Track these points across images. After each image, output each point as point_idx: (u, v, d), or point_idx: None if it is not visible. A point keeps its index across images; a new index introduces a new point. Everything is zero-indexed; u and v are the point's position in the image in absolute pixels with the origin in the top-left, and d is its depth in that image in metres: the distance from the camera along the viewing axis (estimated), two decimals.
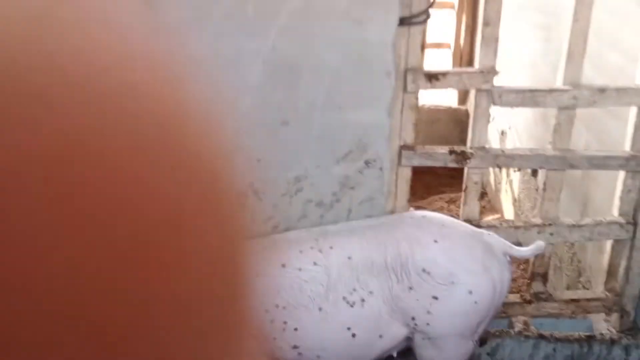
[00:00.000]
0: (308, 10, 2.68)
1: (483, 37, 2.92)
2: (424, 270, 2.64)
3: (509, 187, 5.38)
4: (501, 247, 2.78)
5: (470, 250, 2.70)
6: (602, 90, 2.97)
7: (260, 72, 2.74)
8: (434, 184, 6.00)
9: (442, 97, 7.21)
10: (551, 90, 2.98)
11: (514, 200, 5.21)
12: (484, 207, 5.93)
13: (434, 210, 5.55)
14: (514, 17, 5.45)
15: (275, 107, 2.81)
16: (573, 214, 3.98)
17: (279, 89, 2.78)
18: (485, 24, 2.90)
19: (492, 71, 2.93)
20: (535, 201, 4.47)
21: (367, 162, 2.94)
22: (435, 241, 2.69)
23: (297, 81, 2.78)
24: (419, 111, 5.15)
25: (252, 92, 2.76)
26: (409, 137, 3.02)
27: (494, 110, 5.90)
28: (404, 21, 2.79)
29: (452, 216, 3.12)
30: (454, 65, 6.77)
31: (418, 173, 4.04)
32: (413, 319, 2.66)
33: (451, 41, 6.89)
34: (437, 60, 8.25)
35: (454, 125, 6.27)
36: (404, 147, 3.02)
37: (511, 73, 5.39)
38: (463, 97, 6.68)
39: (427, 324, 2.66)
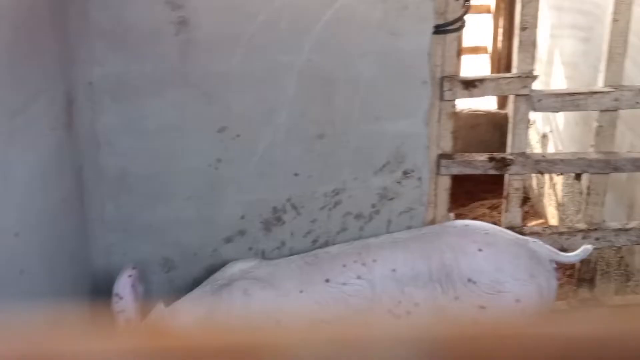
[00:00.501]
0: (341, 22, 2.66)
1: (520, 41, 2.87)
2: (469, 279, 2.60)
3: (553, 191, 5.29)
4: (547, 254, 2.73)
5: (516, 258, 2.65)
6: None
7: (296, 86, 2.73)
8: (475, 191, 5.93)
9: (482, 102, 7.14)
10: (592, 93, 2.92)
11: (558, 204, 5.12)
12: (526, 212, 5.84)
13: (475, 217, 5.48)
14: (552, 19, 5.38)
15: (311, 120, 2.79)
16: (619, 218, 3.89)
17: (314, 101, 2.76)
18: (522, 28, 2.85)
19: (530, 76, 2.88)
20: (580, 205, 4.38)
21: (405, 173, 2.91)
22: (480, 250, 2.64)
23: (333, 93, 2.76)
24: (457, 116, 5.12)
25: (287, 105, 2.75)
26: (447, 146, 2.98)
27: (534, 113, 5.84)
28: (439, 29, 2.76)
29: (494, 224, 3.07)
30: (492, 69, 6.69)
31: (458, 180, 3.99)
32: None
33: (488, 45, 6.81)
34: (475, 65, 8.18)
35: (494, 130, 6.18)
36: (442, 155, 2.98)
37: (551, 75, 5.31)
38: (502, 101, 6.60)
39: None
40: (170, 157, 2.80)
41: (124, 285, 2.65)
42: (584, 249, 2.77)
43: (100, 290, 2.80)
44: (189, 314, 2.63)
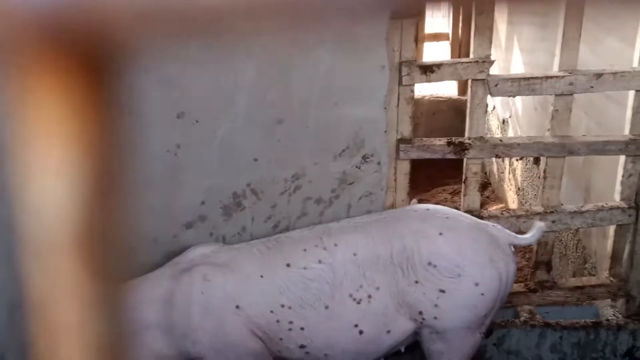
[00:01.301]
0: (299, 7, 2.66)
1: (476, 26, 2.90)
2: (429, 263, 2.63)
3: (512, 176, 5.36)
4: (506, 238, 2.76)
5: (476, 242, 2.68)
6: (598, 75, 2.95)
7: (254, 71, 2.73)
8: (437, 176, 5.99)
9: (443, 88, 7.20)
10: (547, 77, 2.96)
11: (518, 189, 5.20)
12: (487, 197, 5.92)
13: (437, 202, 5.54)
14: (510, 6, 5.43)
15: (270, 105, 2.80)
16: (576, 201, 3.96)
17: (273, 87, 2.77)
18: (479, 13, 2.88)
19: (487, 60, 2.91)
20: (539, 189, 4.45)
21: (364, 157, 2.93)
22: (441, 234, 2.67)
23: (291, 79, 2.77)
24: (419, 103, 5.14)
25: (246, 91, 2.75)
26: (406, 130, 3.00)
27: (495, 100, 5.90)
28: (396, 15, 2.77)
29: (455, 209, 3.10)
30: (452, 56, 6.74)
31: (421, 166, 4.04)
32: (420, 313, 2.65)
33: (450, 32, 6.86)
34: (437, 51, 8.24)
35: (455, 116, 6.24)
36: (401, 140, 3.01)
37: (511, 62, 5.37)
38: (463, 87, 6.66)
39: (435, 317, 2.64)
40: (128, 143, 2.77)
41: None
42: (537, 228, 2.81)
43: None
44: (145, 293, 2.64)
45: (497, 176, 5.92)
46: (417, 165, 3.15)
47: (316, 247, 2.69)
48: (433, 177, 6.04)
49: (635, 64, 3.01)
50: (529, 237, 2.82)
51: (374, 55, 2.77)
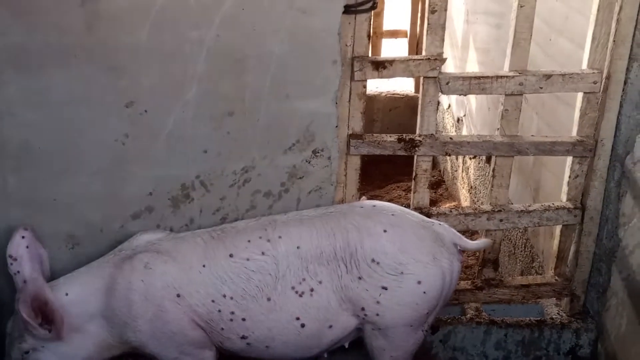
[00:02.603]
0: None
1: (429, 24, 2.91)
2: (373, 260, 2.63)
3: (465, 174, 5.40)
4: (451, 237, 2.78)
5: (420, 240, 2.69)
6: (547, 76, 2.98)
7: (205, 61, 2.70)
8: (391, 173, 6.01)
9: (400, 85, 7.22)
10: (497, 77, 2.98)
11: (470, 187, 5.24)
12: (441, 195, 5.96)
13: (391, 198, 5.56)
14: (467, 5, 5.47)
15: (220, 97, 2.77)
16: (526, 200, 4.01)
17: (224, 78, 2.74)
18: (432, 11, 2.89)
19: (438, 58, 2.92)
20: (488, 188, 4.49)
21: (315, 152, 2.92)
22: (385, 231, 2.68)
23: (243, 70, 2.75)
24: (376, 99, 5.14)
25: (197, 81, 2.73)
26: (357, 126, 3.00)
27: (451, 98, 5.94)
28: (349, 9, 2.77)
29: (407, 206, 3.11)
30: (409, 53, 6.76)
31: (375, 162, 4.05)
32: (362, 309, 2.65)
33: (408, 29, 6.88)
34: (395, 48, 8.27)
35: (412, 113, 6.24)
36: (352, 135, 3.01)
37: (466, 61, 5.41)
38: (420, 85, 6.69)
39: (377, 314, 2.65)
40: (76, 131, 2.74)
41: (16, 245, 2.62)
42: (484, 242, 2.89)
43: (2, 266, 2.74)
44: (87, 284, 2.61)
45: (450, 174, 5.97)
46: (372, 162, 3.15)
47: (260, 238, 2.68)
48: (388, 173, 6.06)
49: (584, 66, 3.04)
50: (473, 244, 2.85)
51: (326, 49, 2.76)
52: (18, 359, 2.60)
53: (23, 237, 2.64)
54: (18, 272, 2.60)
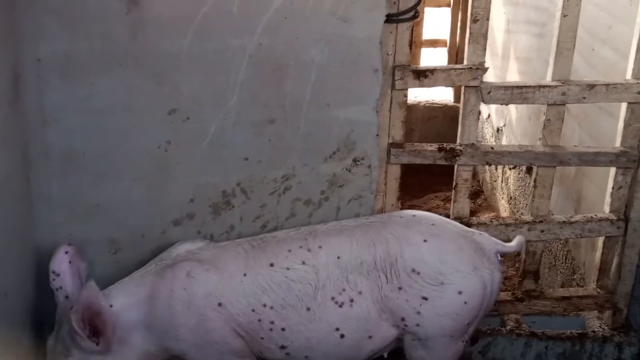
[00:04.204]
0: (293, 7, 2.66)
1: (471, 33, 2.89)
2: (413, 270, 2.62)
3: (505, 185, 5.36)
4: (492, 246, 2.75)
5: (460, 250, 2.67)
6: (591, 86, 2.95)
7: (246, 69, 2.72)
8: (430, 183, 5.98)
9: (439, 94, 7.20)
10: (540, 87, 2.95)
11: (510, 198, 5.19)
12: (480, 205, 5.91)
13: (429, 208, 5.54)
14: (508, 14, 5.44)
15: (261, 104, 2.79)
16: (567, 211, 3.96)
17: (265, 86, 2.76)
18: (474, 20, 2.87)
19: (480, 67, 2.91)
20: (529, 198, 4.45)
21: (355, 160, 2.92)
22: (425, 241, 2.66)
23: (284, 78, 2.76)
24: (415, 108, 5.12)
25: (238, 89, 2.75)
26: (397, 135, 3.00)
27: (490, 108, 5.90)
28: (391, 18, 2.77)
29: (447, 216, 3.10)
30: (449, 62, 6.74)
31: (414, 171, 4.02)
32: (403, 319, 2.64)
33: (447, 38, 6.86)
34: (434, 57, 8.24)
35: (451, 122, 6.23)
36: (392, 144, 3.00)
37: (507, 70, 5.37)
38: (459, 94, 6.66)
39: (417, 324, 2.64)
40: (119, 137, 2.77)
41: (59, 261, 2.64)
42: (517, 239, 2.83)
43: (44, 270, 2.77)
44: (131, 295, 2.62)
45: (489, 185, 5.92)
46: (410, 171, 3.14)
47: (300, 248, 2.68)
48: (426, 183, 6.03)
49: (628, 76, 3.01)
50: (512, 244, 2.82)
51: (368, 58, 2.77)
52: None
53: (66, 252, 2.66)
54: (60, 287, 2.62)
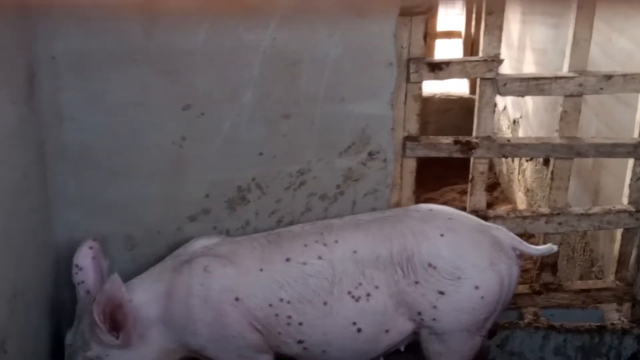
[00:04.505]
0: (307, 2, 2.65)
1: (486, 25, 2.88)
2: (430, 264, 2.60)
3: (522, 177, 5.33)
4: (510, 241, 2.73)
5: (478, 245, 2.66)
6: (608, 76, 2.92)
7: (261, 65, 2.71)
8: (446, 175, 5.96)
9: (454, 87, 7.17)
10: (556, 78, 2.93)
11: (527, 190, 5.17)
12: (496, 197, 5.89)
13: (445, 201, 5.52)
14: (523, 6, 5.40)
15: (276, 100, 2.78)
16: (585, 203, 3.93)
17: (279, 81, 2.75)
18: (489, 12, 2.86)
19: (496, 59, 2.89)
20: (546, 190, 4.42)
21: (370, 154, 2.91)
22: (442, 235, 2.65)
23: (298, 73, 2.75)
24: (430, 101, 5.10)
25: (252, 85, 2.74)
26: (412, 128, 2.99)
27: (506, 99, 5.87)
28: (405, 11, 2.75)
29: (463, 209, 3.08)
30: (464, 54, 6.71)
31: (429, 164, 4.00)
32: (419, 313, 2.63)
33: (462, 30, 6.82)
34: (449, 49, 8.21)
35: (466, 115, 6.18)
36: (408, 138, 2.99)
37: (523, 61, 5.34)
38: (474, 86, 6.63)
39: (433, 319, 2.63)
40: (134, 134, 2.78)
41: (83, 256, 2.66)
42: (548, 248, 2.79)
43: (62, 267, 2.79)
44: (149, 290, 2.63)
45: (506, 177, 5.89)
46: (426, 164, 3.13)
47: (316, 242, 2.67)
48: (442, 176, 6.01)
49: None
50: (535, 249, 2.79)
51: (382, 52, 2.75)
52: None
53: (90, 247, 2.69)
54: (82, 282, 2.64)
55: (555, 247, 2.83)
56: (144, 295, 2.61)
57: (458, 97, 6.76)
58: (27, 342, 2.56)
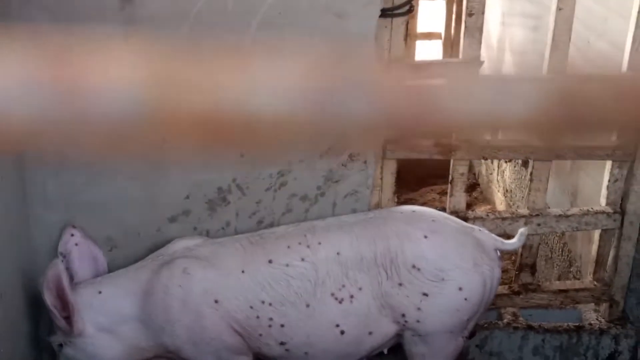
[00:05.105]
0: (288, 2, 2.65)
1: (466, 27, 2.89)
2: (413, 266, 2.61)
3: (501, 177, 5.36)
4: (492, 243, 2.75)
5: (461, 247, 2.67)
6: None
7: None
8: (426, 176, 5.97)
9: None
10: (535, 79, 2.94)
11: (506, 191, 5.19)
12: (476, 198, 5.91)
13: (425, 202, 5.53)
14: (503, 7, 5.43)
15: None
16: (563, 204, 3.96)
17: None
18: (469, 14, 2.87)
19: (476, 61, 2.90)
20: (526, 191, 4.44)
21: (351, 156, 2.92)
22: (425, 237, 2.66)
23: None
24: None
25: None
26: None
27: None
28: (386, 13, 2.76)
29: (443, 209, 3.10)
30: (444, 55, 6.72)
31: (409, 165, 4.01)
32: (403, 315, 2.64)
33: (442, 31, 6.84)
34: (429, 50, 8.22)
35: None
36: (388, 140, 2.99)
37: (502, 62, 5.36)
38: None
39: (417, 320, 2.64)
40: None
41: (65, 242, 2.70)
42: (520, 233, 2.80)
43: (41, 268, 2.76)
44: (122, 286, 2.62)
45: (485, 177, 5.92)
46: (406, 164, 3.13)
47: (299, 244, 2.67)
48: (422, 176, 6.01)
49: (624, 69, 3.00)
50: (514, 242, 2.81)
51: (363, 53, 2.75)
52: (57, 353, 2.62)
53: (72, 234, 2.71)
54: (67, 268, 2.63)
55: (525, 230, 2.83)
56: (116, 290, 2.61)
57: None
58: (5, 343, 2.53)
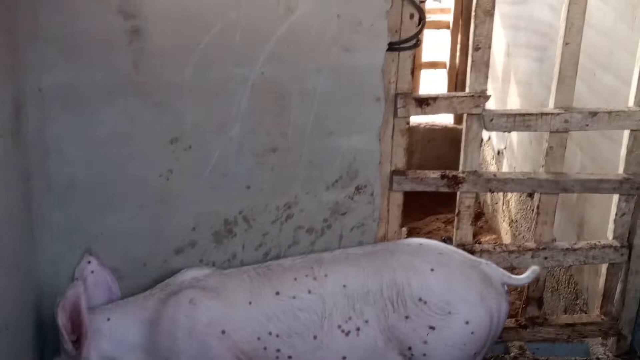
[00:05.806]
0: (296, 36, 2.66)
1: (473, 61, 2.90)
2: (420, 299, 2.60)
3: (506, 207, 5.35)
4: (499, 276, 2.73)
5: (468, 280, 2.66)
6: (593, 113, 2.95)
7: (249, 98, 2.72)
8: (431, 205, 5.96)
9: (438, 117, 7.20)
10: (542, 114, 2.95)
11: (511, 221, 5.18)
12: (481, 227, 5.90)
13: (430, 230, 5.52)
14: (508, 38, 5.45)
15: (264, 133, 2.78)
16: (570, 237, 3.95)
17: (267, 115, 2.76)
18: (475, 48, 2.88)
19: (482, 95, 2.91)
20: (532, 222, 4.43)
21: (357, 188, 2.91)
22: (432, 270, 2.65)
23: (286, 107, 2.76)
24: (414, 131, 5.08)
25: (240, 118, 2.75)
26: (400, 162, 2.99)
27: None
28: (393, 46, 2.77)
29: (448, 237, 3.09)
30: (449, 85, 6.75)
31: (414, 194, 4.01)
32: (409, 348, 2.62)
33: (447, 61, 6.87)
34: (433, 80, 8.26)
35: (450, 144, 6.24)
36: (395, 172, 2.99)
37: (507, 93, 5.38)
38: (459, 116, 6.66)
39: (424, 354, 2.62)
40: (121, 167, 2.77)
41: (82, 269, 2.73)
42: (532, 270, 2.79)
43: (46, 300, 2.76)
44: (130, 314, 2.62)
45: (490, 207, 5.91)
46: (410, 193, 3.13)
47: (307, 276, 2.67)
48: (427, 205, 6.00)
49: (630, 103, 3.01)
50: (523, 277, 2.79)
51: (370, 87, 2.77)
52: None
53: (89, 262, 2.73)
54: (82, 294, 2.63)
55: (537, 268, 2.82)
56: (124, 318, 2.61)
57: (443, 127, 6.80)
58: None
